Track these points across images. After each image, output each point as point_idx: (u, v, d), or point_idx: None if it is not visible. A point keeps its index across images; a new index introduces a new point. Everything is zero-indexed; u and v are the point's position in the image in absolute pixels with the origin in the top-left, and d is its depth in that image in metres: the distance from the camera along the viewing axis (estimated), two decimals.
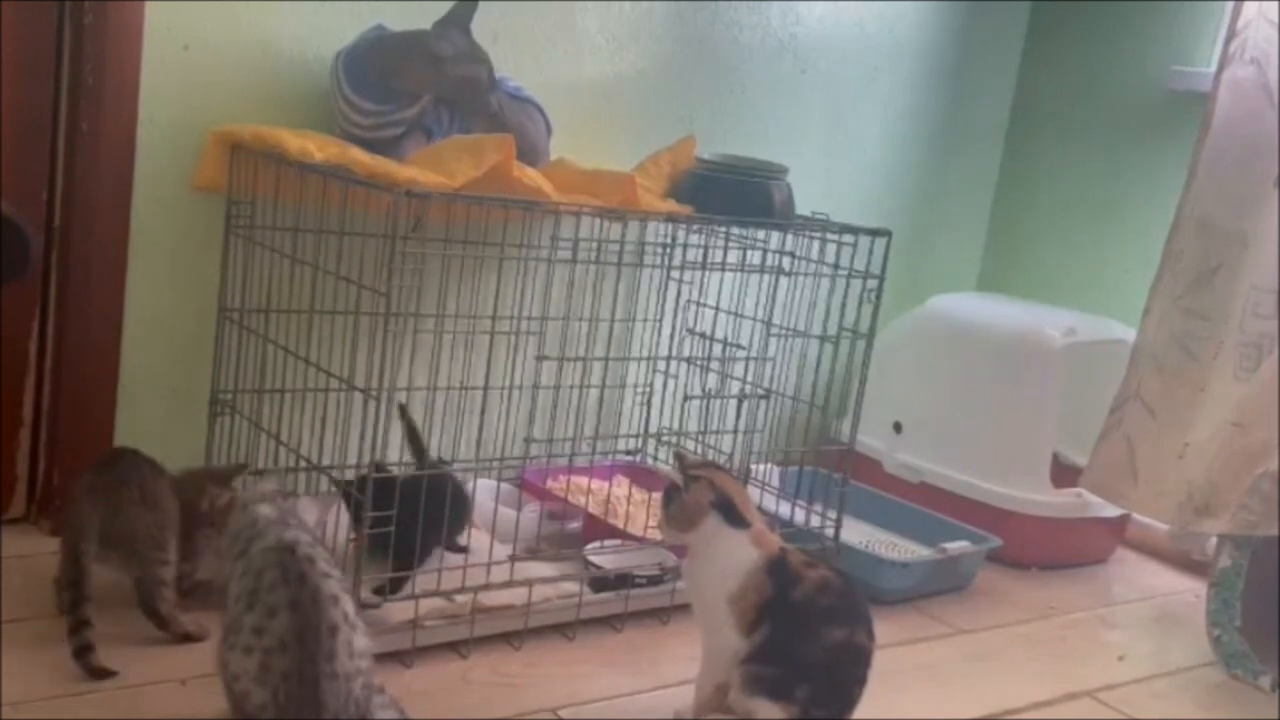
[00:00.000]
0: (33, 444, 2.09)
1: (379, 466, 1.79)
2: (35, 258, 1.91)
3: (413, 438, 2.08)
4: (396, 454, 1.98)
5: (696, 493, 1.68)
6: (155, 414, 2.12)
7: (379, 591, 1.81)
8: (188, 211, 2.09)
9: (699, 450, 2.25)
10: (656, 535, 1.99)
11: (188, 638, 1.74)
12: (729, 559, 1.65)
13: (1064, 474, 2.60)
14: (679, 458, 1.74)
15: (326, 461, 1.97)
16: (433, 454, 2.10)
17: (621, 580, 2.03)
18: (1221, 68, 2.32)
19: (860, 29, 2.84)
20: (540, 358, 2.00)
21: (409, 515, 1.79)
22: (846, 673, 1.59)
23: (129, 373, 2.10)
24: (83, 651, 1.62)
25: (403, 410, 2.05)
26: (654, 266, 2.44)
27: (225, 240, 2.09)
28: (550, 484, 2.28)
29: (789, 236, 2.22)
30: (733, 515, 1.67)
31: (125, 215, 2.04)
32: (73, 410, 2.06)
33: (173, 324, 2.13)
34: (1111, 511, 2.58)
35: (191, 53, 2.04)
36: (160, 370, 2.13)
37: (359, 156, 1.90)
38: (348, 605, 1.37)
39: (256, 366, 2.06)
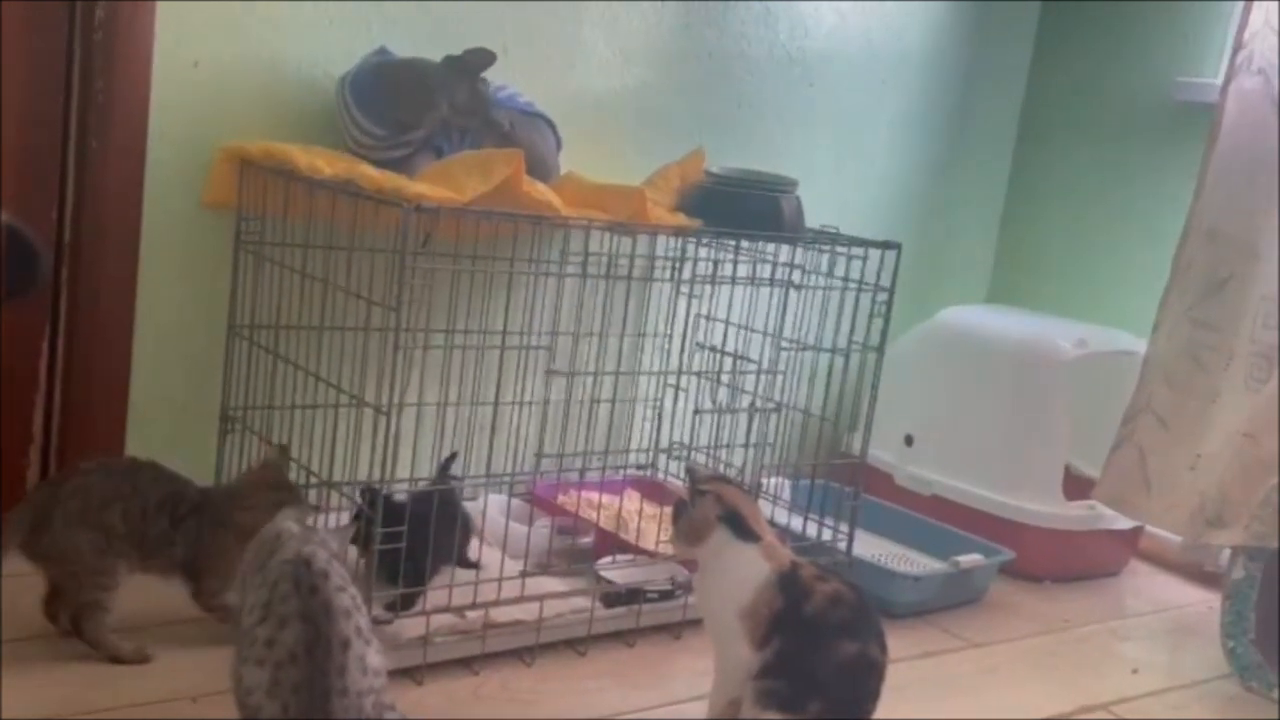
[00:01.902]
0: (42, 461, 2.09)
1: (372, 489, 1.79)
2: (45, 272, 1.92)
3: (445, 467, 2.07)
4: (406, 468, 1.98)
5: (703, 507, 1.67)
6: (165, 430, 2.12)
7: (390, 608, 1.80)
8: (197, 227, 2.09)
9: (710, 464, 2.24)
10: (668, 550, 1.99)
11: (117, 659, 1.72)
12: (739, 573, 1.64)
13: (1076, 486, 2.59)
14: (690, 472, 1.74)
15: (337, 478, 1.97)
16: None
17: (633, 595, 2.02)
18: (1229, 78, 2.32)
19: (867, 41, 2.85)
20: (550, 372, 2.00)
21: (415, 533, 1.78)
22: (859, 687, 1.58)
23: (138, 389, 2.10)
24: None
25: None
26: (664, 280, 2.44)
27: (235, 256, 2.09)
28: (561, 499, 2.28)
29: (798, 250, 2.22)
30: (741, 529, 1.66)
31: (135, 231, 2.04)
32: (82, 427, 2.07)
33: (182, 340, 2.13)
34: (1124, 523, 2.57)
35: (201, 69, 2.04)
36: (170, 387, 2.13)
37: (368, 172, 1.91)
38: (361, 621, 1.36)
39: (266, 382, 2.06)
